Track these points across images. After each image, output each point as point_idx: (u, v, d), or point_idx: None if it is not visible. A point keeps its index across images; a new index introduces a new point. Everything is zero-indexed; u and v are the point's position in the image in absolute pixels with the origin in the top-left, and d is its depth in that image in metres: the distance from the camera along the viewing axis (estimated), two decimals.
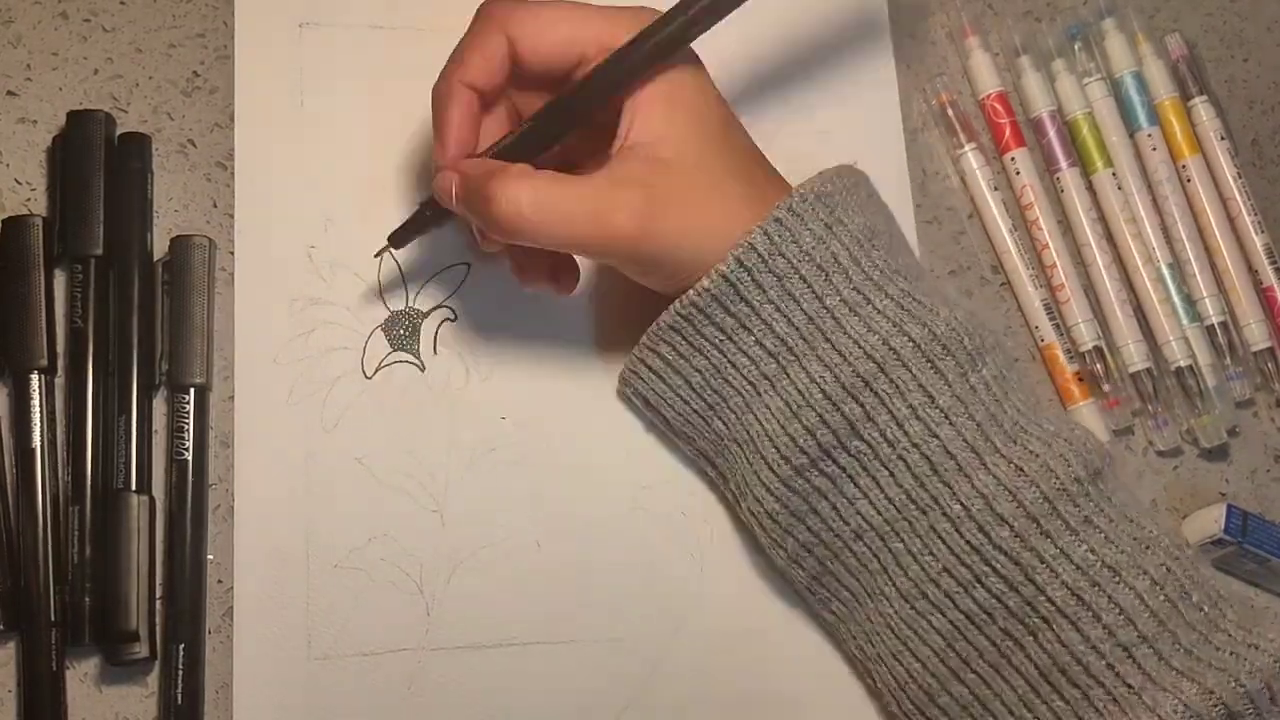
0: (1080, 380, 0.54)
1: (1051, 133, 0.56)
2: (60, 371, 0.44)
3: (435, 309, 0.48)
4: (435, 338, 0.48)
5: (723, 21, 0.43)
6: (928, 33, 0.58)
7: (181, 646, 0.43)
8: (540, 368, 0.48)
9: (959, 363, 0.42)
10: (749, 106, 0.54)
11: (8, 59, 0.47)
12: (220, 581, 0.44)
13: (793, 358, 0.42)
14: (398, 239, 0.46)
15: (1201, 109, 0.58)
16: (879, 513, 0.42)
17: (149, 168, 0.46)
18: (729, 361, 0.43)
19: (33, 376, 0.43)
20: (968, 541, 0.41)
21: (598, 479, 0.48)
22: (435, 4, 0.51)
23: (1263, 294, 0.57)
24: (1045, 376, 0.55)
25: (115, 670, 0.43)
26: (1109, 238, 0.56)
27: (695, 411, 0.45)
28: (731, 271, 0.42)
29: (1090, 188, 0.57)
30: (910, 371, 0.41)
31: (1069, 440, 0.42)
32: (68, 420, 0.44)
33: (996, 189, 0.55)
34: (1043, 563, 0.40)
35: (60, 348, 0.44)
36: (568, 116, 0.43)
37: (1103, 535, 0.40)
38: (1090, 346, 0.54)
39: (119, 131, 0.46)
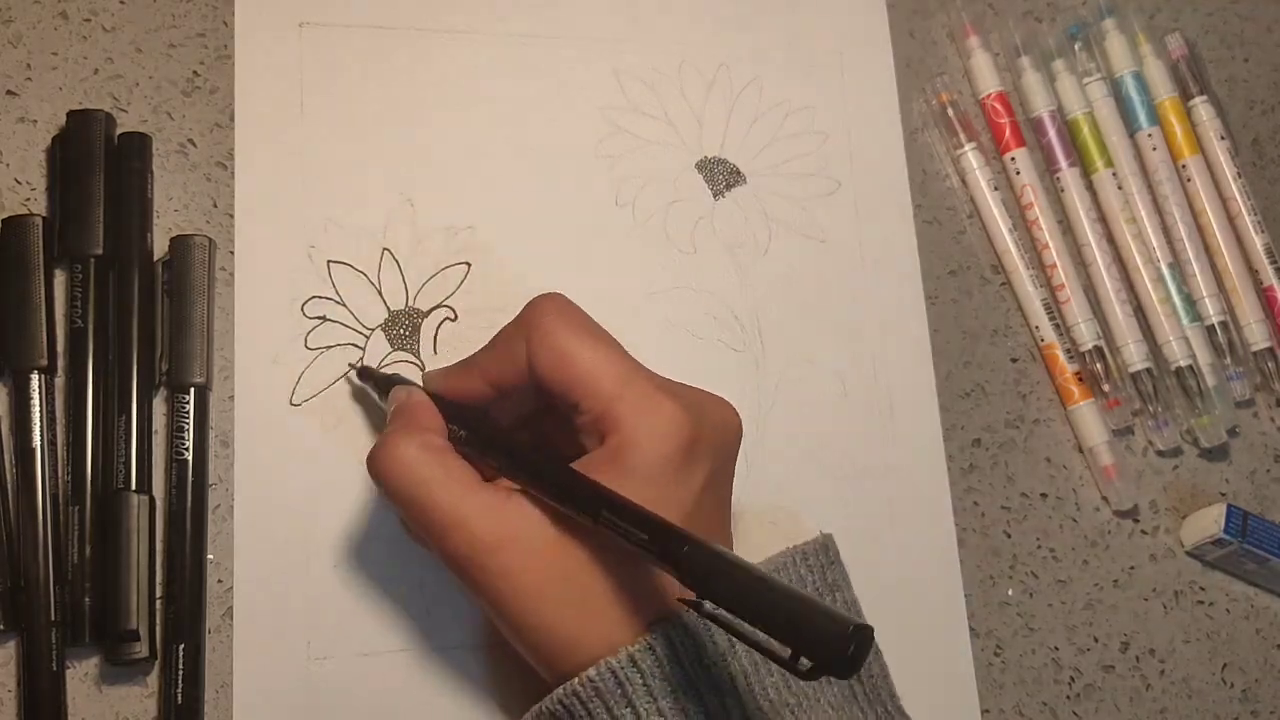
0: (1080, 380, 0.54)
1: (1052, 133, 0.56)
2: (60, 371, 0.44)
3: (435, 309, 0.48)
4: (435, 338, 0.48)
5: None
6: (928, 33, 0.58)
7: (181, 646, 0.42)
8: None
9: None
10: (749, 105, 0.54)
11: (8, 59, 0.47)
12: (220, 581, 0.44)
13: None
14: (362, 374, 0.46)
15: (1201, 109, 0.58)
16: None
17: (149, 167, 0.46)
18: None
19: (33, 376, 0.43)
20: None
21: None
22: (435, 4, 0.51)
23: (1263, 294, 0.57)
24: (1045, 376, 0.55)
25: (115, 670, 0.43)
26: (1109, 238, 0.56)
27: None
28: (622, 669, 0.36)
29: (1090, 188, 0.57)
30: None
31: None
32: (68, 420, 0.44)
33: (996, 189, 0.55)
34: None
35: (60, 348, 0.44)
36: (518, 473, 0.39)
37: None
38: (1090, 346, 0.54)
39: (119, 131, 0.46)
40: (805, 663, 0.30)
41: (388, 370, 0.47)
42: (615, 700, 0.36)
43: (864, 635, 0.30)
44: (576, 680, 0.36)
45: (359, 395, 0.47)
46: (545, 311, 0.40)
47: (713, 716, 0.37)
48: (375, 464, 0.39)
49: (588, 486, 0.36)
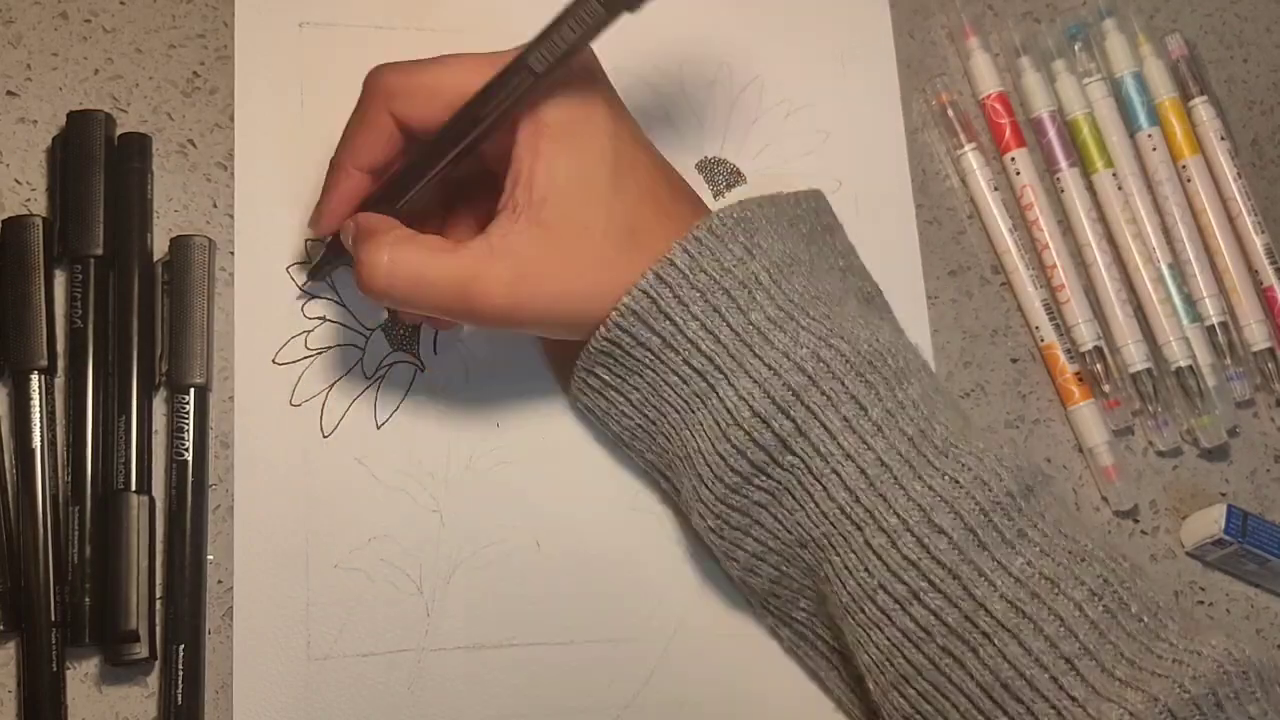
0: (1080, 380, 0.54)
1: (1052, 133, 0.56)
2: (60, 371, 0.44)
3: None
4: (435, 338, 0.48)
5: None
6: (928, 33, 0.58)
7: (181, 646, 0.43)
8: (540, 367, 0.48)
9: (886, 379, 0.41)
10: (749, 105, 0.54)
11: (8, 59, 0.47)
12: (220, 581, 0.44)
13: (720, 375, 0.41)
14: (315, 274, 0.47)
15: (1201, 109, 0.58)
16: (815, 526, 0.42)
17: (149, 168, 0.46)
18: (662, 381, 0.43)
19: (33, 376, 0.43)
20: (904, 556, 0.39)
21: (597, 479, 0.48)
22: (435, 4, 0.51)
23: (1263, 294, 0.57)
24: (1045, 376, 0.55)
25: (115, 670, 0.43)
26: (1109, 238, 0.56)
27: (640, 426, 0.45)
28: (652, 286, 0.41)
29: (1090, 188, 0.57)
30: (842, 383, 0.41)
31: (999, 457, 0.41)
32: (68, 420, 0.44)
33: (996, 189, 0.55)
34: (981, 576, 0.39)
35: (60, 348, 0.44)
36: (434, 161, 0.42)
37: (1038, 548, 0.40)
38: (1090, 346, 0.54)
39: (119, 131, 0.46)
40: None
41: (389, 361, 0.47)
42: (653, 316, 0.41)
43: None
44: (614, 312, 0.41)
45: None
46: (386, 73, 0.42)
47: (744, 309, 0.41)
48: (367, 286, 0.41)
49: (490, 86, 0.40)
